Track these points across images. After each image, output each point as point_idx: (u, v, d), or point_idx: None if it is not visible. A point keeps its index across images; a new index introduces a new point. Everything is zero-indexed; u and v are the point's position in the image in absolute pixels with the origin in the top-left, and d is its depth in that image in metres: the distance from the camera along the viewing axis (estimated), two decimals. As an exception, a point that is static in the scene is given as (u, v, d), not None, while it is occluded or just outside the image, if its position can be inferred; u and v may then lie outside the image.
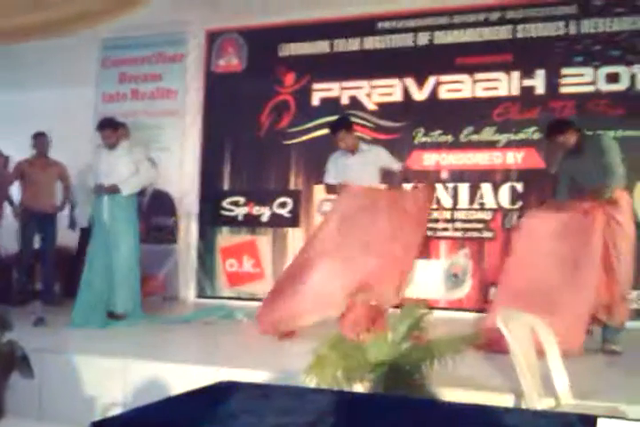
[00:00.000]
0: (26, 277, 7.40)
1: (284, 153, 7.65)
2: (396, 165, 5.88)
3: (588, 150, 5.06)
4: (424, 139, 7.11)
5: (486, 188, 6.88)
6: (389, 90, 7.31)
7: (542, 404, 2.87)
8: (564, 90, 6.71)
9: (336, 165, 5.80)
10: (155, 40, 8.21)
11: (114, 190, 5.99)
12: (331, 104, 7.48)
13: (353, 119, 6.91)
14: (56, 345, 4.87)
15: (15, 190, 7.54)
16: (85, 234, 7.44)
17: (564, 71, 6.71)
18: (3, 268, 7.65)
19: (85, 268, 6.01)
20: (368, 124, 7.29)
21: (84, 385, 4.33)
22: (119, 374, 4.26)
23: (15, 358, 4.39)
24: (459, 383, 3.52)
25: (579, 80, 6.66)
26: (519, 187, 6.78)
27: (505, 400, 3.34)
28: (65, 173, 7.53)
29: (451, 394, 3.41)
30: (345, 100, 7.47)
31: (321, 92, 7.57)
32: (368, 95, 7.38)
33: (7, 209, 7.50)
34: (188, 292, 7.88)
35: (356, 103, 7.41)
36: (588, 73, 6.63)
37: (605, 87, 6.58)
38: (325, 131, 6.79)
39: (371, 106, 7.37)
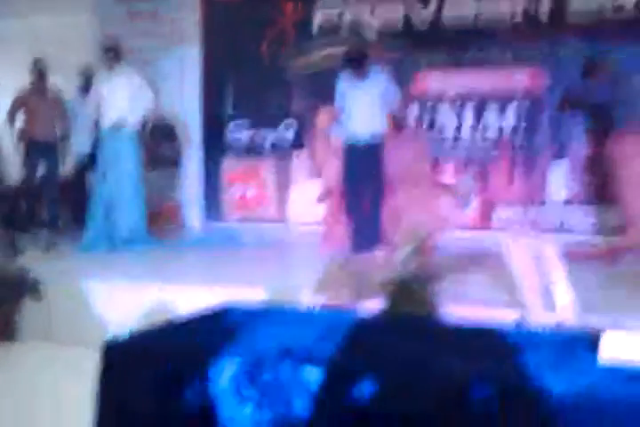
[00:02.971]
0: (31, 205, 7.43)
1: (286, 77, 7.53)
2: (396, 96, 5.77)
3: None
4: (428, 59, 6.98)
5: (492, 107, 6.79)
6: (393, 9, 7.12)
7: (546, 319, 2.91)
8: (571, 8, 6.53)
9: (344, 91, 5.71)
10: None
11: (120, 124, 5.97)
12: (331, 29, 7.32)
13: (354, 40, 6.83)
14: (65, 270, 4.94)
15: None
16: (82, 163, 7.46)
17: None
18: (9, 196, 7.67)
19: (92, 196, 6.06)
20: (370, 44, 7.14)
21: (94, 308, 4.41)
22: (127, 297, 4.33)
23: (26, 283, 4.48)
24: (465, 301, 3.56)
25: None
26: (526, 106, 6.69)
27: (510, 316, 3.38)
28: (63, 101, 7.44)
29: (457, 311, 3.45)
30: (345, 23, 7.30)
31: (321, 17, 7.38)
32: (372, 13, 7.20)
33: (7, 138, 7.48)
34: (194, 217, 7.92)
35: (358, 24, 7.24)
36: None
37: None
38: (327, 51, 6.69)
39: (374, 24, 7.20)
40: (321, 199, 6.35)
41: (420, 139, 6.21)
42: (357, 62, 5.54)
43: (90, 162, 7.11)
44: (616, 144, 5.22)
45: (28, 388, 3.76)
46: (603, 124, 5.88)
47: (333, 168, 5.94)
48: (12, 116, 7.29)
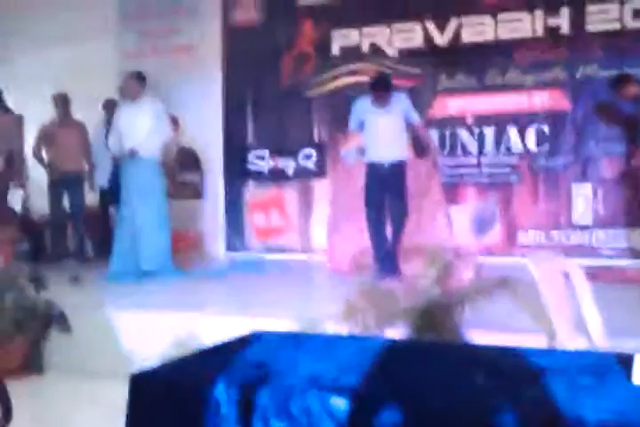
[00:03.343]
0: (58, 236, 7.50)
1: (306, 105, 7.58)
2: (415, 117, 5.80)
3: None
4: (448, 84, 7.01)
5: (512, 131, 6.79)
6: (410, 35, 7.18)
7: (575, 344, 2.87)
8: (589, 28, 6.54)
9: (359, 120, 5.73)
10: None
11: (132, 155, 6.02)
12: (351, 52, 7.38)
13: (374, 66, 6.87)
14: (91, 301, 4.96)
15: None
16: (105, 195, 7.53)
17: (589, 8, 6.53)
18: (35, 228, 7.75)
19: (116, 227, 6.11)
20: (389, 70, 7.18)
21: (122, 339, 4.42)
22: (155, 327, 4.34)
23: (52, 315, 4.50)
24: (490, 327, 3.52)
25: (604, 17, 6.48)
26: (546, 129, 6.68)
27: (538, 342, 3.34)
28: (87, 133, 7.55)
29: (482, 338, 3.42)
30: (365, 48, 7.35)
31: (340, 39, 7.45)
32: (389, 41, 7.25)
33: (34, 170, 7.59)
34: (218, 246, 7.94)
35: (376, 50, 7.29)
36: (613, 9, 6.44)
37: (632, 24, 6.40)
38: (347, 80, 6.73)
39: (392, 52, 7.25)
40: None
41: (431, 159, 6.19)
42: (382, 90, 5.57)
43: (112, 193, 7.19)
44: None
45: (56, 420, 3.77)
46: (634, 140, 5.87)
47: (344, 187, 6.02)
48: (38, 149, 7.41)
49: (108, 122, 7.36)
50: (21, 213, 7.73)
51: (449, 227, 6.07)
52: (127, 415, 1.97)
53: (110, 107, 7.66)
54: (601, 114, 6.35)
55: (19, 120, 7.26)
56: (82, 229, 7.45)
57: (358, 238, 5.94)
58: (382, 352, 2.22)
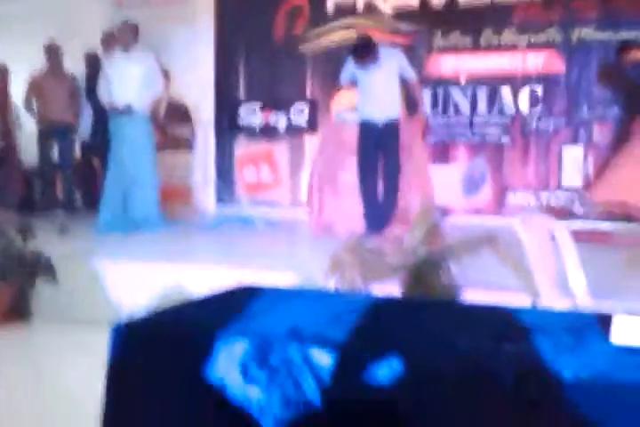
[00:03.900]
0: (47, 186, 7.47)
1: (300, 59, 7.50)
2: (411, 75, 5.73)
3: None
4: (442, 42, 6.93)
5: (506, 92, 6.75)
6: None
7: (558, 304, 2.90)
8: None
9: (352, 75, 5.68)
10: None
11: (127, 112, 5.96)
12: (346, 9, 7.27)
13: (369, 23, 6.80)
14: (79, 251, 4.97)
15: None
16: (86, 147, 7.49)
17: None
18: (24, 178, 7.72)
19: (106, 179, 6.09)
20: (384, 26, 7.10)
21: (108, 289, 4.44)
22: (142, 278, 4.36)
23: (39, 265, 4.51)
24: (476, 285, 3.56)
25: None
26: (539, 91, 6.64)
27: (522, 300, 3.38)
28: (77, 85, 7.46)
29: (468, 295, 3.45)
30: (360, 4, 7.24)
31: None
32: (384, -2, 7.15)
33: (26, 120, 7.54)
34: (207, 199, 7.94)
35: (371, 7, 7.19)
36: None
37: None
38: (341, 34, 6.66)
39: (387, 9, 7.15)
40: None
41: (419, 118, 6.16)
42: (365, 52, 5.50)
43: (95, 145, 7.16)
44: None
45: (42, 367, 3.80)
46: (635, 108, 5.83)
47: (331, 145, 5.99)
48: (28, 100, 7.34)
49: (89, 75, 7.29)
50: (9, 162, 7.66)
51: (431, 186, 6.03)
52: (109, 363, 1.98)
53: (91, 61, 7.58)
54: (604, 79, 6.28)
55: (2, 71, 7.14)
56: (71, 180, 7.42)
57: (345, 200, 5.96)
58: (369, 308, 2.23)
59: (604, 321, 1.90)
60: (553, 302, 2.88)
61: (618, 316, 1.82)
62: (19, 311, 4.52)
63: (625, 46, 5.81)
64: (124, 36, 6.11)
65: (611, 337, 1.76)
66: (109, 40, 7.08)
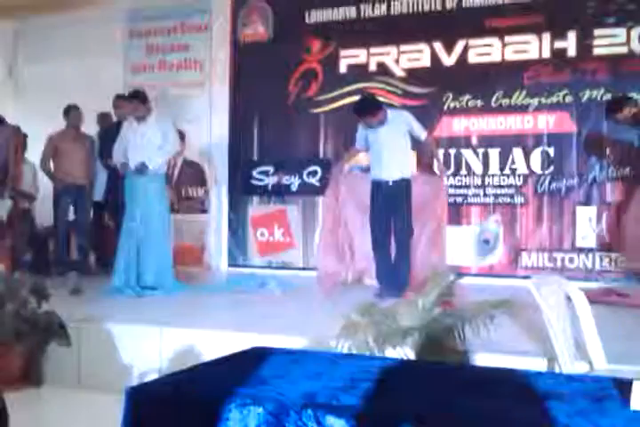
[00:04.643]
0: (61, 248, 7.51)
1: (312, 121, 7.62)
2: (420, 133, 5.79)
3: None
4: (453, 104, 7.03)
5: (517, 153, 6.80)
6: (417, 55, 7.22)
7: (576, 368, 2.86)
8: (596, 51, 6.57)
9: (365, 138, 5.75)
10: (180, 10, 8.17)
11: (141, 170, 6.03)
12: (358, 71, 7.42)
13: (381, 86, 6.91)
14: (92, 314, 4.95)
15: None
16: (98, 208, 7.55)
17: (597, 32, 6.56)
18: (39, 240, 7.76)
19: (120, 240, 6.10)
20: (396, 90, 7.23)
21: (121, 353, 4.41)
22: (155, 342, 4.33)
23: (53, 328, 4.49)
24: (491, 349, 3.51)
25: (611, 41, 6.51)
26: (551, 151, 6.69)
27: (538, 365, 3.34)
28: (94, 147, 7.58)
29: (483, 359, 3.41)
30: (372, 67, 7.39)
31: (348, 58, 7.50)
32: (396, 61, 7.30)
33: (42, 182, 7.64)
34: (221, 261, 7.95)
35: (383, 69, 7.33)
36: (620, 34, 6.48)
37: (639, 48, 6.43)
38: (353, 98, 6.77)
39: (399, 72, 7.29)
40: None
41: (438, 177, 6.20)
42: (367, 109, 5.58)
43: (110, 205, 7.22)
44: None
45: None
46: (632, 168, 5.85)
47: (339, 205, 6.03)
48: (46, 161, 7.45)
49: (102, 136, 7.40)
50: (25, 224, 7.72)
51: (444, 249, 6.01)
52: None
53: (104, 120, 7.73)
54: (589, 147, 6.39)
55: (15, 131, 7.28)
56: (86, 242, 7.46)
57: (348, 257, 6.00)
58: (382, 372, 2.21)
59: (623, 386, 1.87)
60: (569, 365, 2.83)
61: (638, 381, 1.79)
62: (31, 375, 4.48)
63: (616, 103, 5.75)
64: (135, 107, 6.20)
65: (631, 403, 1.73)
66: (119, 104, 7.23)
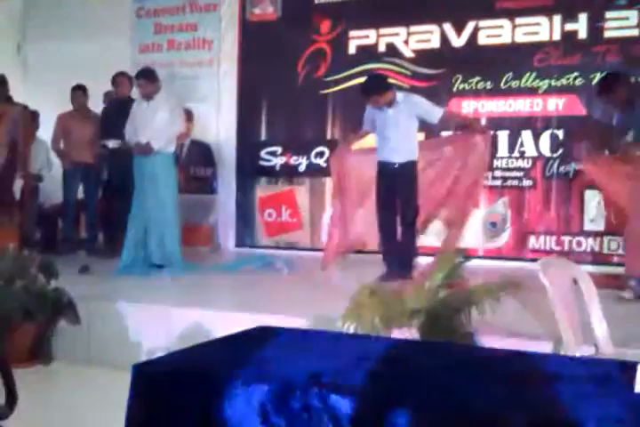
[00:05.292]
0: (70, 226, 7.54)
1: (320, 102, 7.59)
2: (434, 117, 5.69)
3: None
4: (462, 86, 7.00)
5: (526, 135, 6.77)
6: (427, 36, 7.18)
7: (581, 351, 2.86)
8: (607, 34, 6.51)
9: (373, 120, 5.71)
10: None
11: (145, 151, 6.03)
12: (367, 52, 7.38)
13: (390, 67, 6.87)
14: (101, 292, 4.99)
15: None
16: (109, 186, 7.55)
17: (608, 14, 6.50)
18: (48, 218, 7.79)
19: (129, 219, 6.13)
20: (405, 71, 7.19)
21: (130, 331, 4.45)
22: (162, 321, 4.37)
23: (62, 305, 4.53)
24: (497, 330, 3.53)
25: (622, 24, 6.45)
26: (560, 134, 6.66)
27: (543, 347, 3.35)
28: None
29: (488, 341, 3.42)
30: (382, 48, 7.35)
31: (357, 39, 7.46)
32: (405, 42, 7.25)
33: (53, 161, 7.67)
34: (228, 241, 7.97)
35: (392, 50, 7.29)
36: (632, 16, 6.42)
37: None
38: (362, 79, 6.71)
39: (408, 53, 7.25)
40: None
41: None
42: (375, 94, 5.52)
43: (119, 184, 7.21)
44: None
45: (62, 409, 3.79)
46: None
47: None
48: (56, 140, 7.46)
49: (106, 114, 7.36)
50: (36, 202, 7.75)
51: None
52: (128, 405, 1.98)
53: (110, 98, 7.69)
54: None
55: (23, 111, 7.28)
56: (95, 220, 7.49)
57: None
58: (388, 353, 2.22)
59: (628, 369, 1.88)
60: (575, 348, 2.84)
61: (641, 364, 1.80)
62: (40, 352, 4.52)
63: (608, 81, 5.36)
64: (144, 84, 6.19)
65: (636, 386, 1.74)
66: (119, 81, 7.19)
